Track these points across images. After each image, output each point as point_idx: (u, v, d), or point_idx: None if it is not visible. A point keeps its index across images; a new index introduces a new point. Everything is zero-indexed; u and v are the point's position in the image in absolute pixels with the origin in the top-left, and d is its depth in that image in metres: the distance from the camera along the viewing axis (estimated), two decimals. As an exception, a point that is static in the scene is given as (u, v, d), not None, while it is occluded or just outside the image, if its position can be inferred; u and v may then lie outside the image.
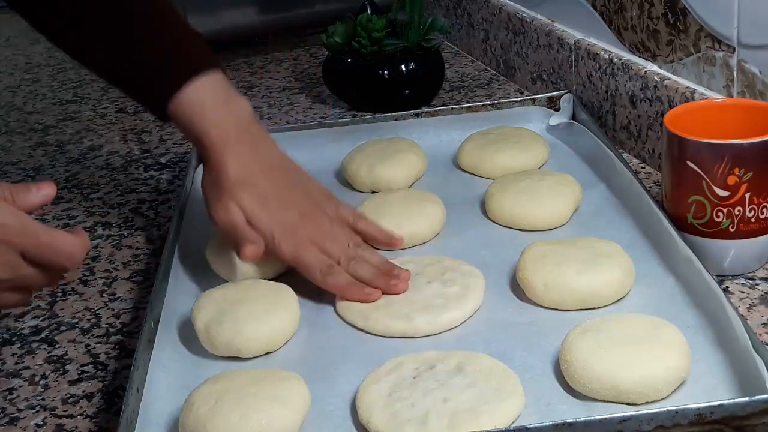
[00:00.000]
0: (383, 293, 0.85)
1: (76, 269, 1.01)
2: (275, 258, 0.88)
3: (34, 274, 0.70)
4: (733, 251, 0.85)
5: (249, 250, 0.85)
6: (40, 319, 0.93)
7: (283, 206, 0.88)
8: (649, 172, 1.09)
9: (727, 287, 0.85)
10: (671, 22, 1.05)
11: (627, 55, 1.14)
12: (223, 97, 0.89)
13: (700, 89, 1.02)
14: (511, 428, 0.63)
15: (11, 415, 0.79)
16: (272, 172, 0.90)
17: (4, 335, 0.91)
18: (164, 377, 0.77)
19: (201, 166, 1.13)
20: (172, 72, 0.88)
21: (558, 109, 1.19)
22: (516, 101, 1.21)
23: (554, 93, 1.21)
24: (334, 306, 0.86)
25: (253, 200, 0.87)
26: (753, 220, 0.84)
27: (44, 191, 0.72)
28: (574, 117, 1.17)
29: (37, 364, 0.86)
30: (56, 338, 0.89)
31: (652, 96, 1.08)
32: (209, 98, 0.88)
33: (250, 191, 0.87)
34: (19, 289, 0.72)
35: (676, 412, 0.63)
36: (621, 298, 0.82)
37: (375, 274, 0.86)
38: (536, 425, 0.63)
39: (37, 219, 1.14)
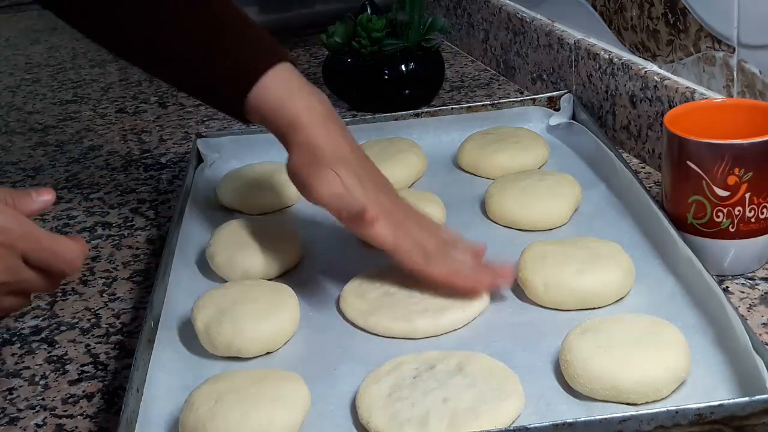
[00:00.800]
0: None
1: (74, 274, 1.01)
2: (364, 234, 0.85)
3: (34, 278, 0.70)
4: (733, 251, 0.85)
5: (370, 216, 0.82)
6: (40, 319, 0.93)
7: (377, 188, 0.86)
8: (649, 172, 1.09)
9: (727, 287, 0.85)
10: (671, 22, 1.05)
11: (627, 55, 1.14)
12: (304, 82, 0.89)
13: (700, 89, 1.02)
14: (511, 428, 0.63)
15: (11, 415, 0.79)
16: (362, 156, 0.89)
17: (4, 335, 0.91)
18: (164, 377, 0.77)
19: (199, 167, 1.14)
20: (253, 61, 0.87)
21: (558, 109, 1.19)
22: (516, 101, 1.21)
23: (554, 93, 1.21)
24: (335, 306, 0.86)
25: (351, 176, 0.84)
26: (753, 220, 0.84)
27: (44, 197, 0.72)
28: (574, 117, 1.17)
29: (37, 364, 0.86)
30: (56, 338, 0.89)
31: (652, 96, 1.08)
32: (295, 83, 0.88)
33: (346, 168, 0.85)
34: (19, 293, 0.72)
35: (676, 412, 0.63)
36: (621, 298, 0.82)
37: (474, 267, 0.85)
38: (536, 425, 0.63)
39: (36, 219, 1.14)
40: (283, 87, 0.87)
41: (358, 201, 0.83)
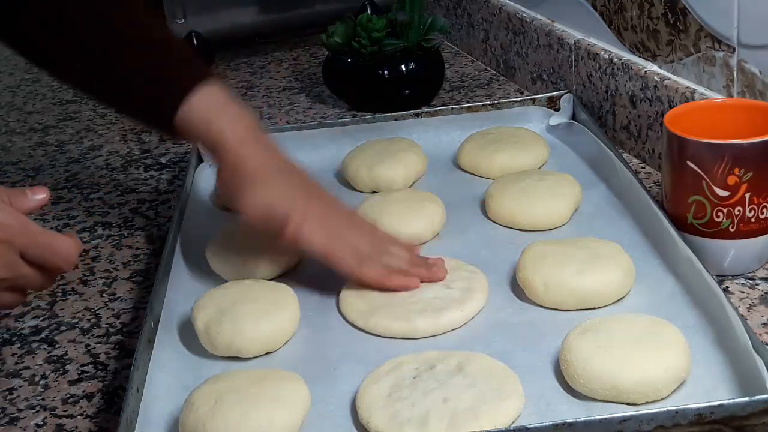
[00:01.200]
0: (421, 282, 0.85)
1: (71, 270, 1.01)
2: (290, 252, 0.89)
3: (31, 274, 0.71)
4: (733, 251, 0.85)
5: (291, 227, 0.84)
6: (40, 319, 0.93)
7: (307, 198, 0.88)
8: (649, 172, 1.09)
9: (727, 287, 0.85)
10: (671, 22, 1.05)
11: (627, 55, 1.14)
12: (230, 101, 0.90)
13: (700, 89, 1.02)
14: (511, 428, 0.63)
15: (11, 415, 0.79)
16: (289, 168, 0.90)
17: (4, 335, 0.91)
18: (164, 377, 0.77)
19: (199, 167, 1.14)
20: (179, 82, 0.89)
21: (558, 109, 1.19)
22: (516, 101, 1.21)
23: (554, 93, 1.21)
24: (335, 306, 0.86)
25: (278, 189, 0.87)
26: (753, 220, 0.84)
27: (39, 196, 0.73)
28: (574, 117, 1.17)
29: (37, 364, 0.86)
30: (56, 338, 0.89)
31: (652, 96, 1.08)
32: (219, 102, 0.89)
33: (273, 182, 0.87)
34: (16, 289, 0.72)
35: (676, 412, 0.63)
36: (621, 298, 0.82)
37: (410, 264, 0.86)
38: (536, 425, 0.63)
39: (36, 218, 1.14)
40: (208, 105, 0.89)
41: (281, 215, 0.85)
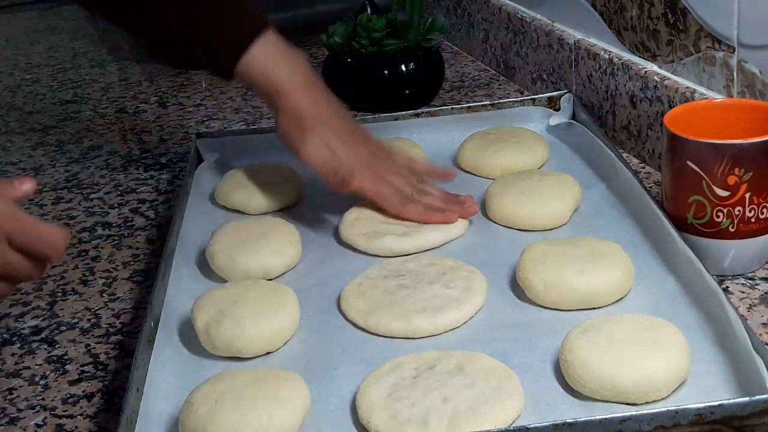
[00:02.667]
0: (459, 217, 0.96)
1: (72, 270, 1.01)
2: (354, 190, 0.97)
3: (19, 260, 0.72)
4: (733, 251, 0.85)
5: (354, 182, 0.95)
6: (40, 319, 0.93)
7: (357, 144, 0.98)
8: (649, 172, 1.09)
9: (727, 287, 0.85)
10: (671, 22, 1.05)
11: (627, 55, 1.14)
12: (287, 50, 0.98)
13: (700, 89, 1.02)
14: (511, 428, 0.63)
15: (11, 415, 0.79)
16: (341, 114, 0.99)
17: (4, 335, 0.91)
18: (164, 377, 0.77)
19: (199, 167, 1.14)
20: (239, 32, 0.96)
21: (558, 109, 1.19)
22: (516, 101, 1.21)
23: (554, 93, 1.21)
24: (335, 306, 0.87)
25: (333, 137, 0.96)
26: (753, 220, 0.84)
27: (25, 186, 0.74)
28: (574, 117, 1.17)
29: (37, 364, 0.86)
30: (56, 338, 0.89)
31: (652, 96, 1.08)
32: (278, 51, 0.97)
33: (329, 129, 0.96)
34: (4, 278, 0.73)
35: (676, 412, 0.63)
36: (621, 298, 0.82)
37: (446, 201, 0.98)
38: (536, 425, 0.63)
39: (38, 218, 1.14)
40: (268, 56, 0.97)
41: (344, 165, 0.95)
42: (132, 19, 0.98)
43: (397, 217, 0.97)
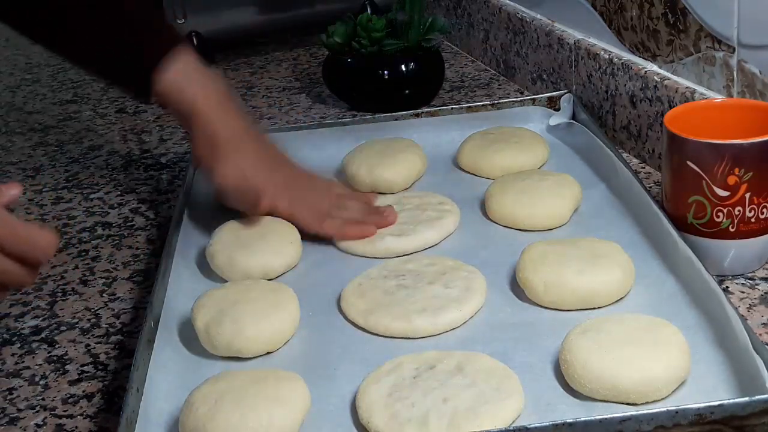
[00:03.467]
0: (377, 228, 0.95)
1: (72, 271, 1.01)
2: (275, 212, 0.95)
3: (11, 266, 0.71)
4: (733, 251, 0.85)
5: (267, 203, 0.94)
6: (40, 319, 0.93)
7: (272, 167, 0.97)
8: (649, 172, 1.09)
9: (727, 287, 0.85)
10: (671, 22, 1.05)
11: (627, 55, 1.14)
12: (202, 68, 0.96)
13: (700, 89, 1.02)
14: (511, 428, 0.63)
15: (11, 415, 0.79)
16: (255, 136, 0.98)
17: (4, 335, 0.91)
18: (164, 377, 0.77)
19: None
20: (152, 48, 0.95)
21: (558, 109, 1.19)
22: (516, 101, 1.21)
23: (554, 93, 1.21)
24: (335, 306, 0.87)
25: (246, 159, 0.95)
26: (753, 220, 0.84)
27: (12, 191, 0.73)
28: (574, 117, 1.17)
29: (37, 364, 0.86)
30: (56, 338, 0.89)
31: (652, 96, 1.08)
32: (193, 69, 0.95)
33: (243, 151, 0.95)
34: None
35: (676, 412, 0.63)
36: (621, 298, 0.82)
37: (365, 214, 0.97)
38: (536, 425, 0.63)
39: (37, 218, 1.14)
40: (181, 73, 0.95)
41: (255, 187, 0.94)
42: (49, 34, 0.98)
43: (316, 234, 0.96)
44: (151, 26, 0.97)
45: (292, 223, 0.95)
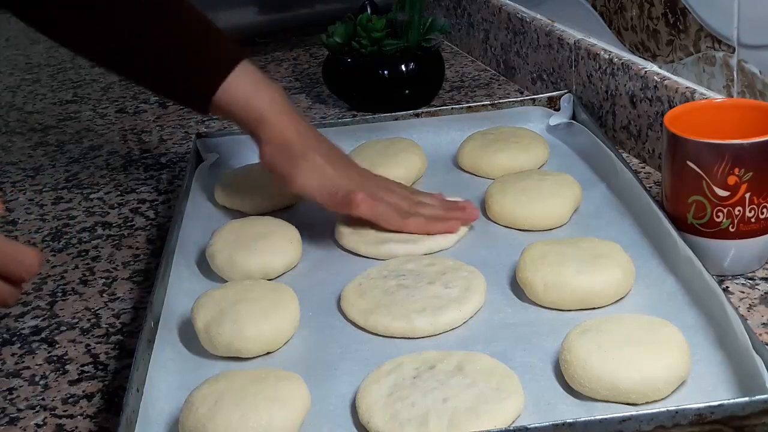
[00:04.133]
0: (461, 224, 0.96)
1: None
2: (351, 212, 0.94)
3: None
4: (733, 251, 0.85)
5: (357, 199, 0.93)
6: (40, 319, 0.93)
7: (344, 166, 0.97)
8: (649, 172, 1.09)
9: (727, 287, 0.85)
10: (671, 22, 1.05)
11: (627, 55, 1.14)
12: (264, 78, 0.97)
13: (700, 89, 1.02)
14: (511, 428, 0.63)
15: (11, 415, 0.79)
16: (322, 139, 0.98)
17: (4, 335, 0.91)
18: (164, 377, 0.77)
19: (199, 167, 1.14)
20: (217, 61, 0.95)
21: (558, 109, 1.19)
22: (516, 101, 1.21)
23: (554, 93, 1.21)
24: (335, 306, 0.87)
25: (323, 162, 0.95)
26: (753, 220, 0.84)
27: None
28: (574, 117, 1.17)
29: (37, 364, 0.86)
30: (56, 338, 0.89)
31: (652, 96, 1.08)
32: (257, 79, 0.96)
33: (317, 155, 0.95)
34: None
35: (676, 412, 0.63)
36: (621, 298, 0.82)
37: (446, 209, 0.97)
38: (536, 425, 0.63)
39: (36, 218, 1.14)
40: (247, 83, 0.95)
41: (341, 186, 0.94)
42: (99, 46, 0.95)
43: (399, 231, 0.95)
44: (210, 38, 0.96)
45: (374, 221, 0.95)
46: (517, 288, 0.85)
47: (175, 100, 1.04)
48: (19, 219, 1.15)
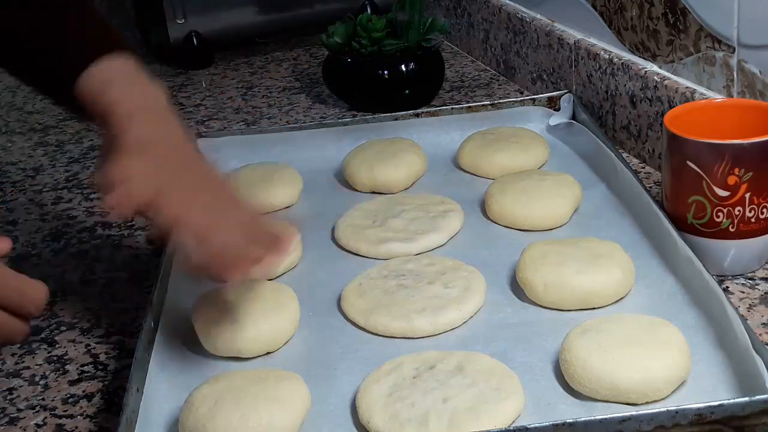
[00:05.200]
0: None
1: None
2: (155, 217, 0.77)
3: (1, 317, 0.67)
4: (733, 251, 0.85)
5: (111, 198, 0.74)
6: (40, 319, 0.93)
7: (178, 171, 0.78)
8: (649, 172, 1.09)
9: (727, 287, 0.85)
10: (671, 22, 1.05)
11: (627, 55, 1.14)
12: (134, 75, 0.82)
13: (700, 89, 1.02)
14: (511, 428, 0.63)
15: (11, 415, 0.79)
16: (176, 143, 0.81)
17: (4, 335, 0.91)
18: (164, 377, 0.77)
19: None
20: (83, 50, 0.82)
21: (558, 109, 1.19)
22: (516, 101, 1.21)
23: (554, 93, 1.21)
24: (335, 306, 0.87)
25: (149, 161, 0.76)
26: (753, 220, 0.84)
27: (2, 245, 0.68)
28: (574, 117, 1.17)
29: (37, 364, 0.86)
30: (56, 338, 0.89)
31: (652, 96, 1.08)
32: (121, 74, 0.82)
33: (147, 153, 0.77)
34: None
35: (676, 413, 0.63)
36: (621, 298, 0.83)
37: (240, 250, 0.76)
38: (536, 425, 0.63)
39: (37, 218, 1.14)
40: (108, 75, 0.81)
41: (114, 186, 0.75)
42: None
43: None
44: (87, 26, 0.85)
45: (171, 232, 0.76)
46: (517, 288, 0.85)
47: (48, 96, 0.90)
48: (19, 219, 1.15)
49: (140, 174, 0.76)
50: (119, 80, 0.81)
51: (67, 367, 0.85)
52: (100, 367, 0.84)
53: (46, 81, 0.86)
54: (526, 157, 1.09)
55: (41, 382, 0.83)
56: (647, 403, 0.69)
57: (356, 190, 1.09)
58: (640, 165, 1.12)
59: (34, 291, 0.68)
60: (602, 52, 1.17)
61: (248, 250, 0.76)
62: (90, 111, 0.82)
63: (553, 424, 0.63)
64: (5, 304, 0.66)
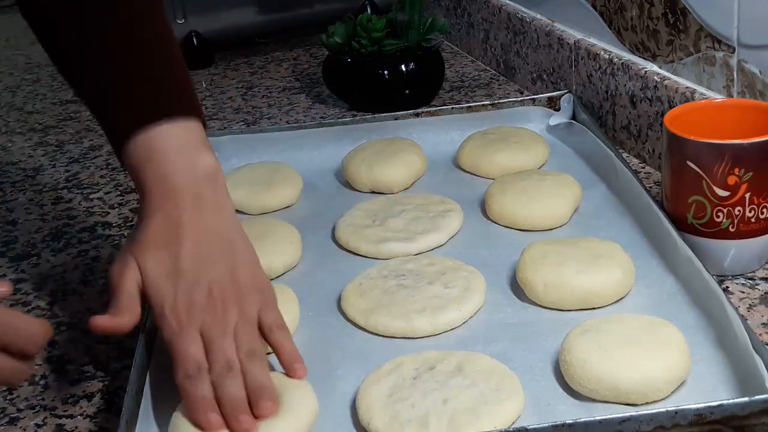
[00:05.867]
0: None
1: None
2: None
3: (2, 360, 0.65)
4: (733, 251, 0.85)
5: (98, 321, 0.72)
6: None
7: (192, 281, 0.73)
8: (649, 172, 1.09)
9: (727, 287, 0.85)
10: (671, 22, 1.05)
11: (627, 55, 1.14)
12: (184, 148, 0.77)
13: (700, 89, 1.02)
14: (511, 429, 0.63)
15: (11, 415, 0.79)
16: (203, 240, 0.75)
17: (4, 335, 0.91)
18: (164, 377, 0.77)
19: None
20: (135, 110, 0.77)
21: (558, 109, 1.19)
22: (516, 101, 1.21)
23: (554, 93, 1.21)
24: (335, 306, 0.87)
25: (160, 266, 0.73)
26: (753, 220, 0.84)
27: (2, 289, 0.68)
28: (574, 117, 1.17)
29: (37, 364, 0.86)
30: (56, 338, 0.89)
31: (652, 96, 1.08)
32: (167, 146, 0.76)
33: (161, 255, 0.73)
34: None
35: (676, 413, 0.63)
36: (621, 298, 0.83)
37: (237, 401, 0.68)
38: (536, 426, 0.63)
39: (37, 218, 1.14)
40: (147, 149, 0.75)
41: (116, 298, 0.73)
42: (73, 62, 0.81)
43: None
44: (167, 76, 0.78)
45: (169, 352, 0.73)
46: (517, 288, 0.85)
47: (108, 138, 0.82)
48: (19, 219, 1.15)
49: (147, 279, 0.73)
50: (170, 153, 0.75)
51: (67, 367, 0.85)
52: (100, 367, 0.84)
53: (106, 127, 0.81)
54: (526, 157, 1.09)
55: (41, 382, 0.83)
56: (647, 403, 0.69)
57: (356, 190, 1.09)
58: (640, 165, 1.12)
59: (30, 329, 0.66)
60: (602, 52, 1.17)
61: (245, 407, 0.69)
62: (133, 180, 0.78)
63: (552, 425, 0.63)
64: (4, 345, 0.65)
